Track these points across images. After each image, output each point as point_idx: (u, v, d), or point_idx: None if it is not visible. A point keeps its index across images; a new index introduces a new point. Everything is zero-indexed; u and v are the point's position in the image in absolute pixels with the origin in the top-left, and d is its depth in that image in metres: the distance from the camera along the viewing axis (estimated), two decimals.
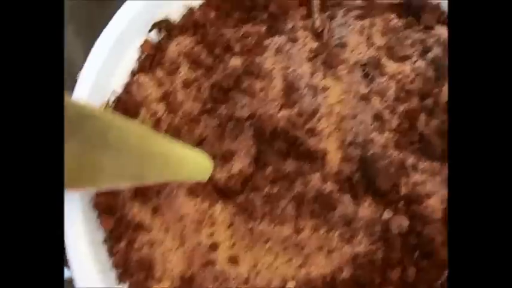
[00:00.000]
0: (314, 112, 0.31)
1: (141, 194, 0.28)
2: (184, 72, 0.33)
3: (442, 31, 0.35)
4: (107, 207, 0.27)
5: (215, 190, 0.29)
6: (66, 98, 0.23)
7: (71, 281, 0.24)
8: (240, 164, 0.29)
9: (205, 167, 0.26)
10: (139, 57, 0.33)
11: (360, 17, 0.35)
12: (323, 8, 0.35)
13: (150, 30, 0.34)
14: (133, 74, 0.33)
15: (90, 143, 0.23)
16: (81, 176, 0.23)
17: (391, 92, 0.33)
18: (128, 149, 0.24)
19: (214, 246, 0.27)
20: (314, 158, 0.29)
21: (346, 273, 0.27)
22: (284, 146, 0.30)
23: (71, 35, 0.46)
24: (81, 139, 0.23)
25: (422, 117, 0.32)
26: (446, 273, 0.26)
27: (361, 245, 0.27)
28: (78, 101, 0.24)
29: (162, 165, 0.25)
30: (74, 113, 0.22)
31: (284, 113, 0.31)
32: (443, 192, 0.29)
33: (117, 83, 0.32)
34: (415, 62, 0.35)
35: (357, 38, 0.35)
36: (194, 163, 0.26)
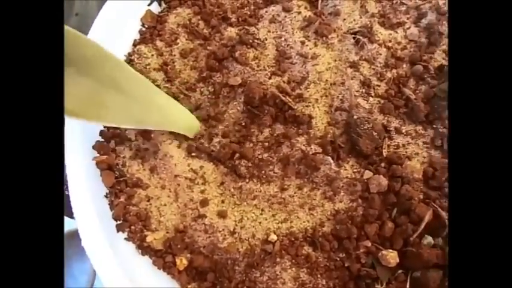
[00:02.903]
0: (303, 79, 0.33)
1: (140, 155, 0.31)
2: (182, 42, 0.35)
3: None
4: (108, 166, 0.29)
5: (207, 154, 0.31)
6: (87, 38, 0.25)
7: (76, 232, 0.28)
8: (229, 131, 0.31)
9: (194, 125, 0.31)
10: (141, 28, 0.35)
11: None
12: None
13: (150, 3, 0.36)
14: (135, 44, 0.35)
15: (101, 82, 0.25)
16: (89, 109, 0.25)
17: (381, 59, 0.34)
18: (135, 95, 0.27)
19: (205, 202, 0.29)
20: (300, 123, 0.31)
21: (326, 228, 0.29)
22: (272, 111, 0.31)
23: None
24: (95, 77, 0.25)
25: (411, 82, 0.33)
26: (420, 227, 0.27)
27: (342, 203, 0.29)
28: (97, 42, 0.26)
29: (161, 116, 0.28)
30: (92, 52, 0.25)
31: (274, 80, 0.33)
32: (424, 154, 0.30)
33: (119, 53, 0.34)
34: (408, 28, 0.35)
35: (350, 6, 0.36)
36: (186, 120, 0.30)
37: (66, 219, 0.38)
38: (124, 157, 0.30)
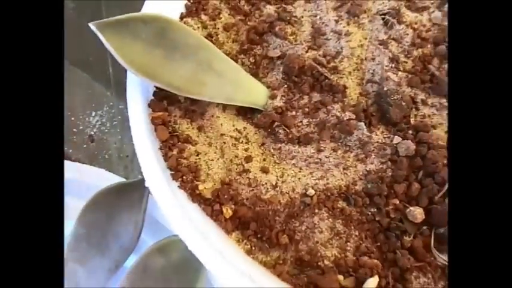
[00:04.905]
0: (337, 54, 0.35)
1: (189, 115, 0.33)
2: (224, 17, 0.38)
3: None
4: (162, 121, 0.32)
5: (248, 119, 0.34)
6: (189, 29, 0.33)
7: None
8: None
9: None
10: (187, 3, 0.38)
11: None
12: None
13: None
14: (182, 17, 0.37)
15: (200, 66, 0.32)
16: (192, 87, 0.31)
17: (408, 39, 0.37)
18: (225, 76, 0.33)
19: (248, 159, 0.32)
20: (336, 92, 0.34)
21: (359, 187, 0.31)
22: (310, 81, 0.34)
23: None
24: (196, 61, 0.31)
25: (435, 61, 0.36)
26: (445, 188, 0.30)
27: (373, 164, 0.32)
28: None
29: (246, 94, 0.34)
30: (194, 41, 0.32)
31: (311, 53, 0.35)
32: (448, 124, 0.33)
33: None
34: (432, 12, 0.38)
35: None
36: (264, 94, 0.34)
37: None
38: (175, 116, 0.33)
